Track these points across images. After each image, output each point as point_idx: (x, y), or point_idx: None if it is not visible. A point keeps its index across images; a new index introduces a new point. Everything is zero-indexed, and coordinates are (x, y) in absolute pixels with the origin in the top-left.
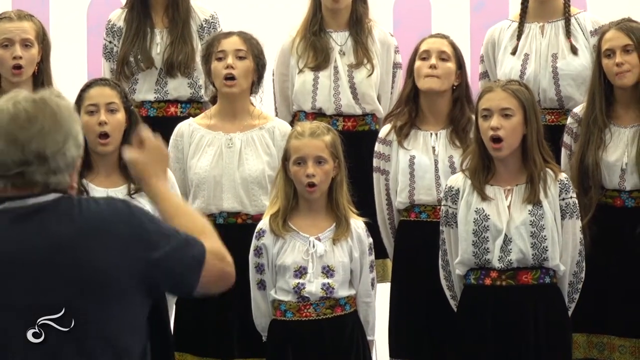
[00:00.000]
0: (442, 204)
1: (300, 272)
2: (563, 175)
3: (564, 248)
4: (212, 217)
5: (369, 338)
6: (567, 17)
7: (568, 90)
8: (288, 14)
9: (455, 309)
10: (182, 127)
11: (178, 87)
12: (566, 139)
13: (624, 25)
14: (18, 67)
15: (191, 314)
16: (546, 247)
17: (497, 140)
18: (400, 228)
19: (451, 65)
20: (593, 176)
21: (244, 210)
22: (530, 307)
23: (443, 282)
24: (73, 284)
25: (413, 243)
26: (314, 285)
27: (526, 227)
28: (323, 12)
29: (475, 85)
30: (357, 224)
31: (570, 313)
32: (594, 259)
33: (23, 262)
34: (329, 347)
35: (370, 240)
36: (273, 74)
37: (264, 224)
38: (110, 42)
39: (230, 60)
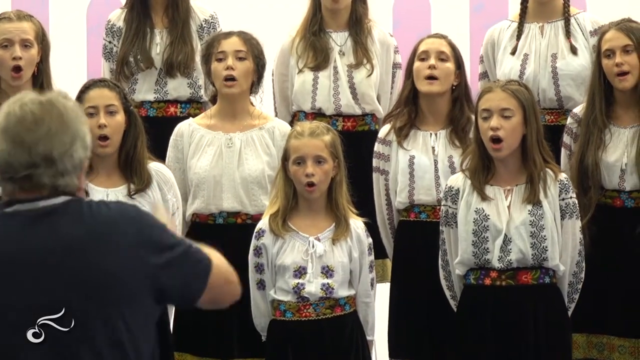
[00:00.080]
0: (442, 204)
1: (300, 272)
2: (563, 176)
3: (564, 248)
4: (211, 217)
5: (368, 338)
6: (566, 17)
7: (567, 91)
8: (288, 14)
9: (455, 309)
10: (181, 127)
11: (178, 87)
12: (566, 139)
13: (624, 26)
14: (18, 68)
15: (191, 314)
16: (546, 247)
17: (496, 140)
18: (399, 228)
19: (450, 65)
20: (593, 176)
21: (244, 210)
22: (530, 307)
23: (443, 282)
24: (78, 286)
25: (413, 243)
26: (313, 286)
27: (526, 227)
28: (323, 12)
29: (475, 86)
30: (357, 224)
31: (570, 313)
32: (593, 259)
33: (28, 263)
34: (328, 347)
35: (370, 240)
36: (273, 74)
37: (263, 223)
38: (109, 42)
39: (230, 61)
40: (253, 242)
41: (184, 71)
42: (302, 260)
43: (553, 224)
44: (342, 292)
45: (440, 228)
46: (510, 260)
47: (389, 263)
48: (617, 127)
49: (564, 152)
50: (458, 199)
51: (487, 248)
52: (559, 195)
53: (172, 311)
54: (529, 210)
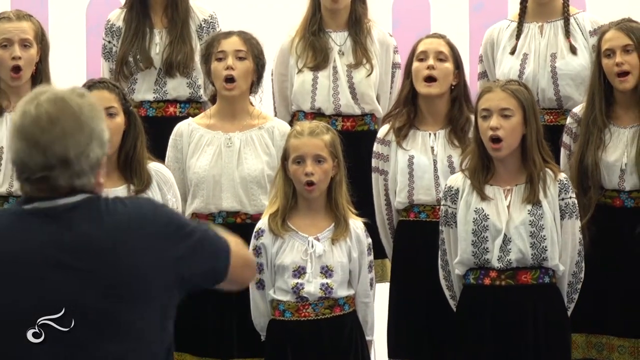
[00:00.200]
0: (442, 203)
1: (299, 272)
2: (562, 175)
3: (563, 248)
4: (211, 216)
5: (367, 338)
6: (566, 17)
7: (567, 90)
8: (287, 14)
9: (455, 309)
10: (181, 127)
11: (177, 87)
12: (565, 139)
13: (624, 26)
14: (17, 68)
15: (190, 314)
16: (545, 247)
17: (496, 140)
18: (399, 228)
19: (449, 65)
20: (592, 176)
21: (243, 209)
22: (529, 307)
23: (442, 282)
24: (94, 285)
25: (412, 243)
26: (312, 285)
27: (525, 227)
28: (322, 12)
29: (475, 85)
30: (356, 224)
31: (569, 313)
32: (593, 259)
33: (35, 262)
34: (327, 347)
35: (369, 240)
36: (272, 74)
37: (263, 223)
38: (109, 42)
39: (230, 61)
40: (252, 242)
41: (184, 71)
42: (301, 260)
43: (553, 223)
44: (342, 292)
45: (440, 228)
46: (510, 260)
47: (388, 263)
48: (617, 127)
49: (563, 152)
50: (458, 198)
51: (487, 248)
52: (559, 195)
53: None
54: (528, 210)
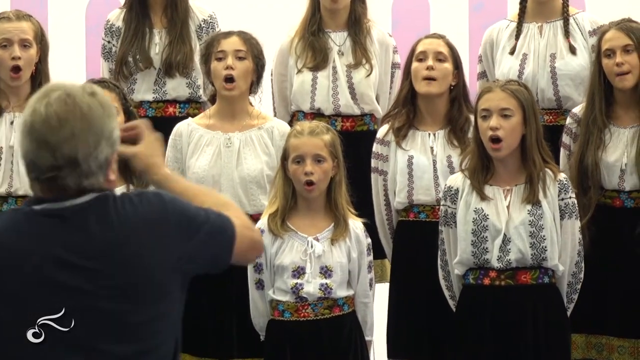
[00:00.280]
0: (441, 203)
1: (299, 272)
2: (562, 176)
3: (563, 248)
4: None
5: (367, 338)
6: (565, 17)
7: (566, 90)
8: (287, 14)
9: (454, 309)
10: (180, 127)
11: (176, 87)
12: (565, 139)
13: (624, 26)
14: (17, 68)
15: (190, 314)
16: (545, 247)
17: (496, 140)
18: (399, 228)
19: (448, 65)
20: (592, 176)
21: (243, 209)
22: (529, 307)
23: (442, 282)
24: (99, 286)
25: (412, 243)
26: (312, 286)
27: (525, 227)
28: (322, 12)
29: (474, 85)
30: (356, 224)
31: (569, 313)
32: (593, 259)
33: (40, 262)
34: (327, 348)
35: (369, 240)
36: (272, 74)
37: (262, 223)
38: (108, 42)
39: (230, 60)
40: None
41: (183, 71)
42: (300, 261)
43: (552, 224)
44: (341, 292)
45: (440, 228)
46: (510, 260)
47: (387, 263)
48: (617, 127)
49: (563, 152)
50: (457, 198)
51: (486, 248)
52: (559, 195)
53: None
54: (528, 210)
